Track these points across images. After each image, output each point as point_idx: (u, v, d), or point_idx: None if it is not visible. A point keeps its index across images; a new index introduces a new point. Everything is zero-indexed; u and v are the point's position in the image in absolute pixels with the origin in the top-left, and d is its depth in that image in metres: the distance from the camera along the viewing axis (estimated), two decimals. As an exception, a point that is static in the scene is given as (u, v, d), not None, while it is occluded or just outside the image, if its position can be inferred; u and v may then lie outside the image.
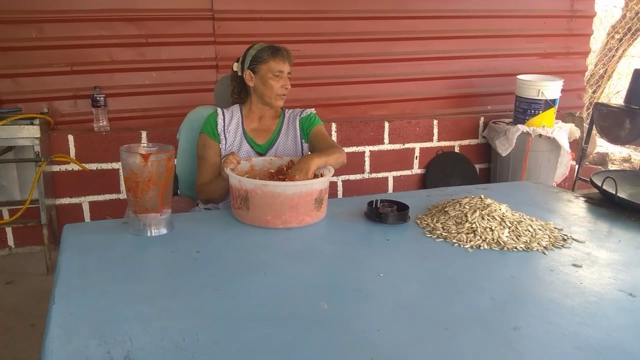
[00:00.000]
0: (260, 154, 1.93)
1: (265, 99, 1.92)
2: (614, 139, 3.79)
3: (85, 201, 3.18)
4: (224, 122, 1.93)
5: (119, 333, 0.96)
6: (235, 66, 1.98)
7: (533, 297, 1.16)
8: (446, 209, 1.58)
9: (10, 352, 2.21)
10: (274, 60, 1.87)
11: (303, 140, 1.97)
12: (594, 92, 6.09)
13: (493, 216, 1.50)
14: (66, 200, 3.15)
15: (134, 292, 1.12)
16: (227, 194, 1.76)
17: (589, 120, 3.97)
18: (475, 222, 1.48)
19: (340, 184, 3.67)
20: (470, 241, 1.42)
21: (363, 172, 3.70)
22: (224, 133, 1.91)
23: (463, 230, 1.47)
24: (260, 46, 1.92)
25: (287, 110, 2.03)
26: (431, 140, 3.83)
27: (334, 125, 3.54)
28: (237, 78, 1.98)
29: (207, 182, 1.88)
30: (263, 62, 1.88)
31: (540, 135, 3.51)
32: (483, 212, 1.51)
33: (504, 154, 3.58)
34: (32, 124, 2.76)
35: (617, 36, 5.89)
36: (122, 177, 3.12)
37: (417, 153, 3.81)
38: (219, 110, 1.95)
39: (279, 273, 1.24)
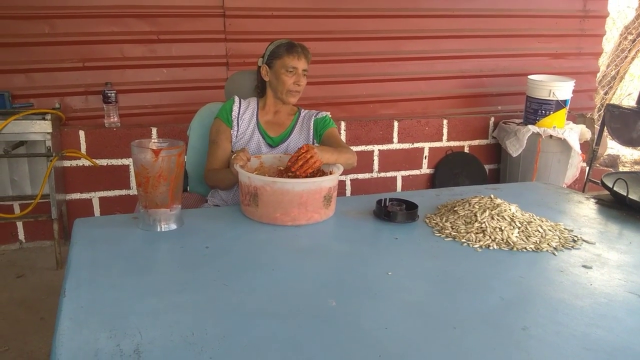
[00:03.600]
0: (271, 146, 1.94)
1: (278, 94, 1.94)
2: (626, 141, 3.76)
3: (95, 196, 3.20)
4: (239, 110, 1.95)
5: (128, 326, 0.96)
6: (260, 61, 2.00)
7: (542, 297, 1.16)
8: (455, 209, 1.58)
9: (20, 345, 2.23)
10: (288, 56, 1.89)
11: (315, 141, 1.99)
12: (605, 94, 6.04)
13: (503, 216, 1.49)
14: (76, 196, 3.17)
15: (144, 286, 1.13)
16: (234, 185, 1.79)
17: (600, 121, 3.94)
18: (484, 222, 1.47)
19: (348, 183, 3.67)
20: (479, 241, 1.42)
21: (372, 171, 3.70)
22: (237, 120, 1.94)
23: (472, 230, 1.46)
24: (280, 42, 1.94)
25: (302, 109, 2.04)
26: (440, 140, 3.81)
27: (343, 124, 3.54)
28: (259, 73, 2.01)
29: (216, 168, 1.90)
30: (278, 57, 1.91)
31: (550, 136, 3.49)
32: (493, 212, 1.50)
33: (514, 155, 3.57)
34: (43, 119, 2.79)
35: (630, 37, 5.84)
36: (132, 173, 3.14)
37: (426, 153, 3.80)
38: (236, 99, 1.97)
39: (287, 270, 1.24)
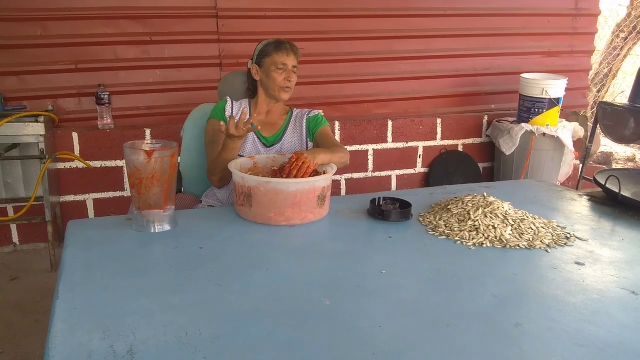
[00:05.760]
0: (266, 146, 1.94)
1: (270, 91, 1.94)
2: (619, 139, 3.78)
3: (89, 198, 3.19)
4: (232, 111, 1.95)
5: (122, 327, 0.96)
6: (249, 63, 2.00)
7: (535, 294, 1.16)
8: (449, 207, 1.58)
9: (15, 347, 2.23)
10: (277, 53, 1.90)
11: (309, 139, 1.99)
12: (598, 91, 6.07)
13: (496, 214, 1.50)
14: (70, 198, 3.16)
15: (138, 288, 1.13)
16: (234, 157, 1.75)
17: (593, 119, 3.96)
18: (478, 220, 1.48)
19: (343, 183, 3.67)
20: (472, 239, 1.43)
21: (366, 170, 3.70)
22: None
23: (466, 228, 1.47)
24: (268, 41, 1.96)
25: (295, 109, 2.04)
26: (435, 139, 3.82)
27: (337, 124, 3.55)
28: (249, 74, 2.01)
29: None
30: (267, 55, 1.92)
31: (544, 134, 3.51)
32: (486, 210, 1.51)
33: (508, 153, 3.58)
34: (37, 121, 2.78)
35: (622, 35, 5.87)
36: (126, 175, 3.13)
37: (420, 152, 3.80)
38: (229, 99, 1.98)
39: (282, 269, 1.25)
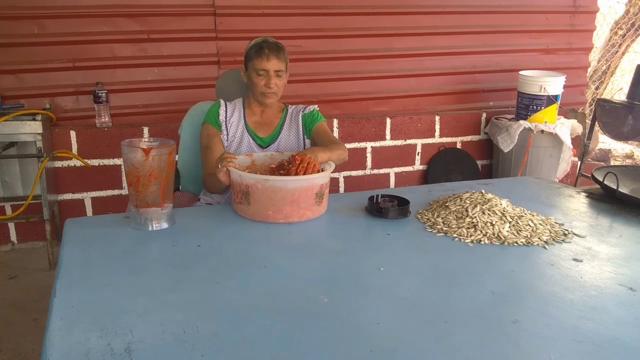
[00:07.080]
0: (262, 147, 1.93)
1: (253, 95, 1.93)
2: (617, 135, 3.79)
3: (87, 197, 3.18)
4: (226, 114, 1.93)
5: (119, 325, 0.96)
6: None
7: (533, 291, 1.16)
8: (447, 204, 1.58)
9: (13, 346, 2.22)
10: (257, 58, 1.85)
11: (305, 136, 1.98)
12: (596, 88, 6.08)
13: (494, 211, 1.50)
14: (68, 196, 3.15)
15: (135, 285, 1.13)
16: (228, 188, 1.77)
17: (591, 116, 3.96)
18: (475, 217, 1.48)
19: (341, 180, 3.67)
20: (470, 236, 1.43)
21: (365, 168, 3.70)
22: (226, 123, 1.92)
23: (464, 224, 1.47)
24: (255, 42, 1.90)
25: (290, 105, 2.03)
26: (433, 136, 3.82)
27: (335, 121, 3.54)
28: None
29: (212, 173, 1.87)
30: (250, 59, 1.88)
31: (542, 131, 3.51)
32: (484, 207, 1.51)
33: (506, 150, 3.58)
34: (34, 119, 2.77)
35: (620, 32, 5.87)
36: (124, 173, 3.12)
37: (419, 149, 3.80)
38: (222, 102, 1.95)
39: (280, 267, 1.25)
